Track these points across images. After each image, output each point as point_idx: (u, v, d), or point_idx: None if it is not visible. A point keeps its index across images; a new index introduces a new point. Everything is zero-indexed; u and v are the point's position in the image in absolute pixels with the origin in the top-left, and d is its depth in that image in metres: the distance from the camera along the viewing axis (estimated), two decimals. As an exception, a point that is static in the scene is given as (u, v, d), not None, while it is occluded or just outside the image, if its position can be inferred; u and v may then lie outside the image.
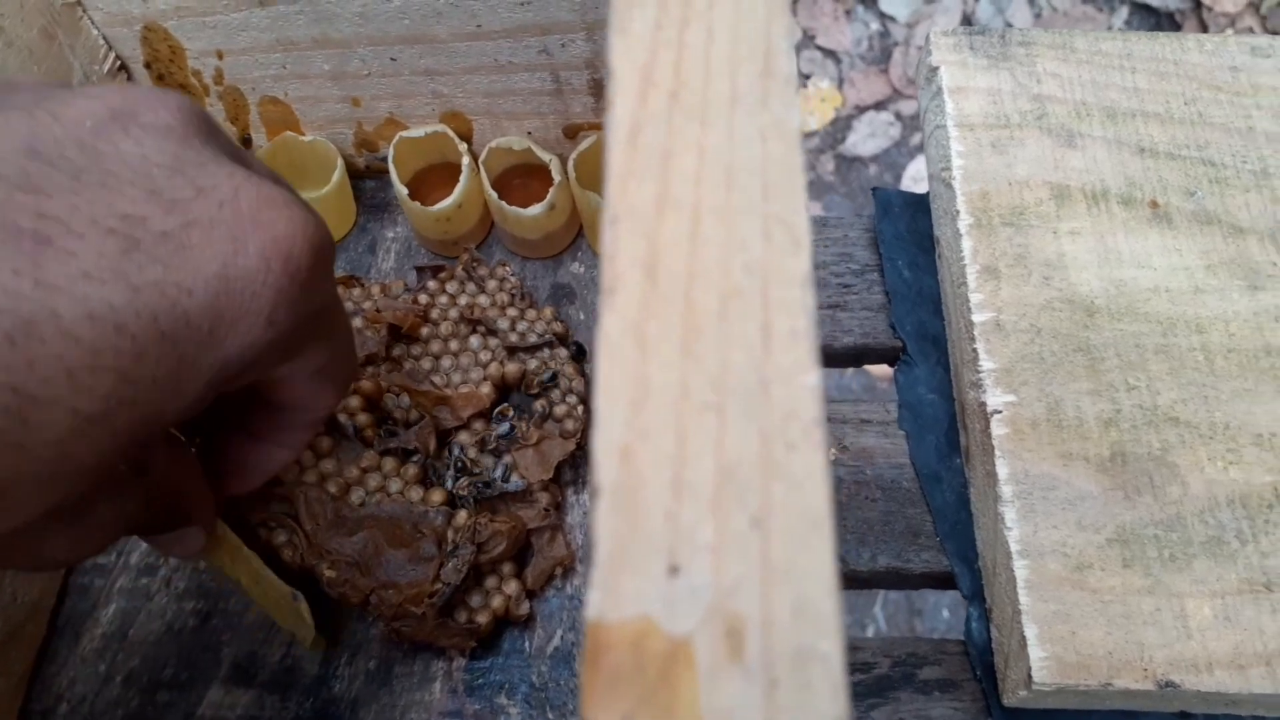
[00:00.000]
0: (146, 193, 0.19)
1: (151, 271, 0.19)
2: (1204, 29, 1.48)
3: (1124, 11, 1.49)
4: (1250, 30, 1.50)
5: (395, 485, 0.33)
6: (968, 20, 1.51)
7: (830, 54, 1.52)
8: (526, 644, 0.33)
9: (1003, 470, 0.34)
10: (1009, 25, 1.49)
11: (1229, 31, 1.48)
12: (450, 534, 0.31)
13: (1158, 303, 0.37)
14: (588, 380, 0.36)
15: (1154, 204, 0.39)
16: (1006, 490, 0.34)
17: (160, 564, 0.35)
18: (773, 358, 0.13)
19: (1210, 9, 1.49)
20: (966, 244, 0.38)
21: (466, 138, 0.39)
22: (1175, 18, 1.48)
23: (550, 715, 0.32)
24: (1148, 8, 1.49)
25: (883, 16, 1.54)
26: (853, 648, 0.35)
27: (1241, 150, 0.40)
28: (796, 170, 0.15)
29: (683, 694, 0.11)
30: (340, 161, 0.39)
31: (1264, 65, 0.42)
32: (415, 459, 0.33)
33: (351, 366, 0.26)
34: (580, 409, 0.35)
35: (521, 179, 0.40)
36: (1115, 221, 0.38)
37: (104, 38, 0.36)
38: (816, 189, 1.41)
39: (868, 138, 1.44)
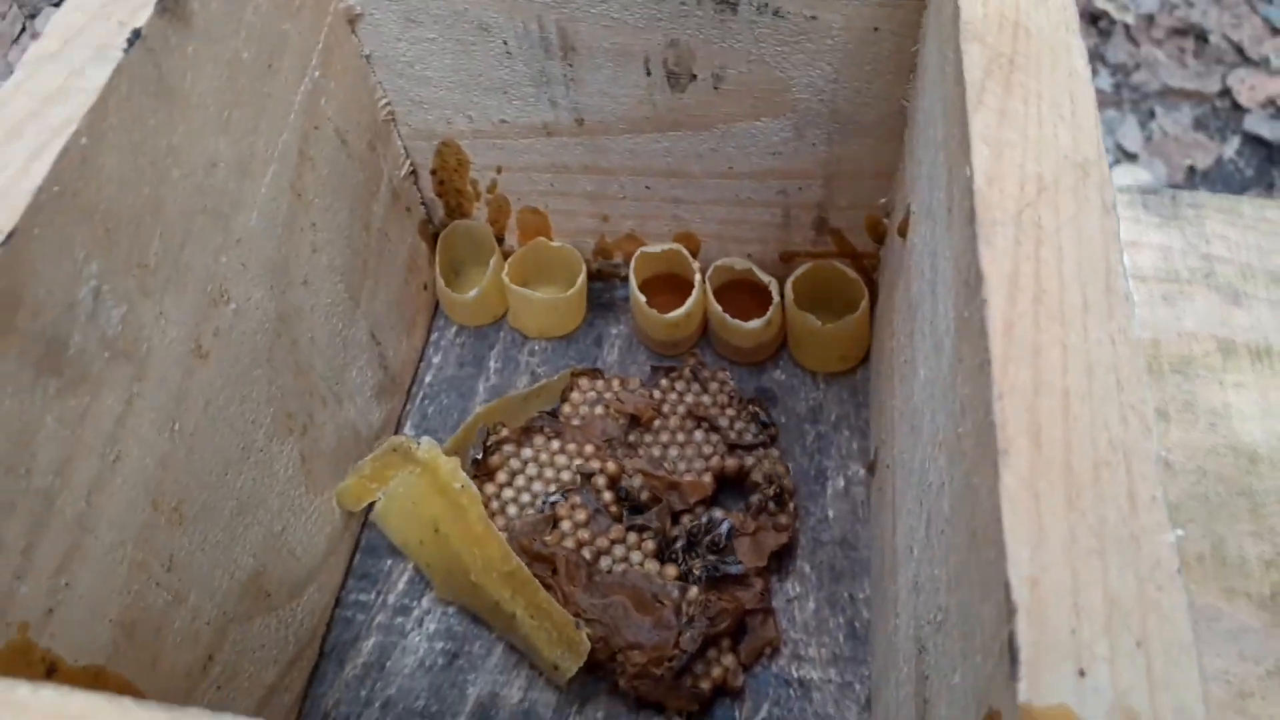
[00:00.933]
0: None
1: None
2: (1310, 165, 1.51)
3: (1235, 141, 1.53)
4: (1356, 168, 1.52)
5: (636, 557, 0.37)
6: (1075, 140, 1.56)
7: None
8: (737, 713, 0.37)
9: (1172, 598, 0.38)
10: (1120, 147, 1.53)
11: (1338, 172, 1.50)
12: (685, 606, 0.36)
13: (1318, 457, 0.40)
14: (794, 482, 0.41)
15: (1315, 365, 0.42)
16: (1176, 616, 0.37)
17: (413, 605, 0.40)
18: (1139, 517, 0.18)
19: (1319, 146, 1.52)
20: (1141, 387, 0.42)
21: (694, 254, 0.45)
22: (1284, 152, 1.51)
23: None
24: (1260, 140, 1.52)
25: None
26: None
27: (1397, 322, 0.43)
28: (1141, 371, 0.20)
29: (1098, 765, 0.16)
30: (584, 267, 0.45)
31: None
32: (652, 535, 0.38)
33: None
34: (791, 506, 0.40)
35: (737, 294, 0.45)
36: (1278, 378, 0.42)
37: (405, 149, 0.43)
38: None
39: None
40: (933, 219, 0.28)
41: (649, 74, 0.37)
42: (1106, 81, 1.62)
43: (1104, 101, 1.60)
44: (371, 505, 0.41)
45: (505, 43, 0.37)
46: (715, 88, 0.37)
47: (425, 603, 0.41)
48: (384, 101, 0.40)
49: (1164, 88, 1.60)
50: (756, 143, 0.39)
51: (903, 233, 0.35)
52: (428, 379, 0.46)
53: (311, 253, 0.37)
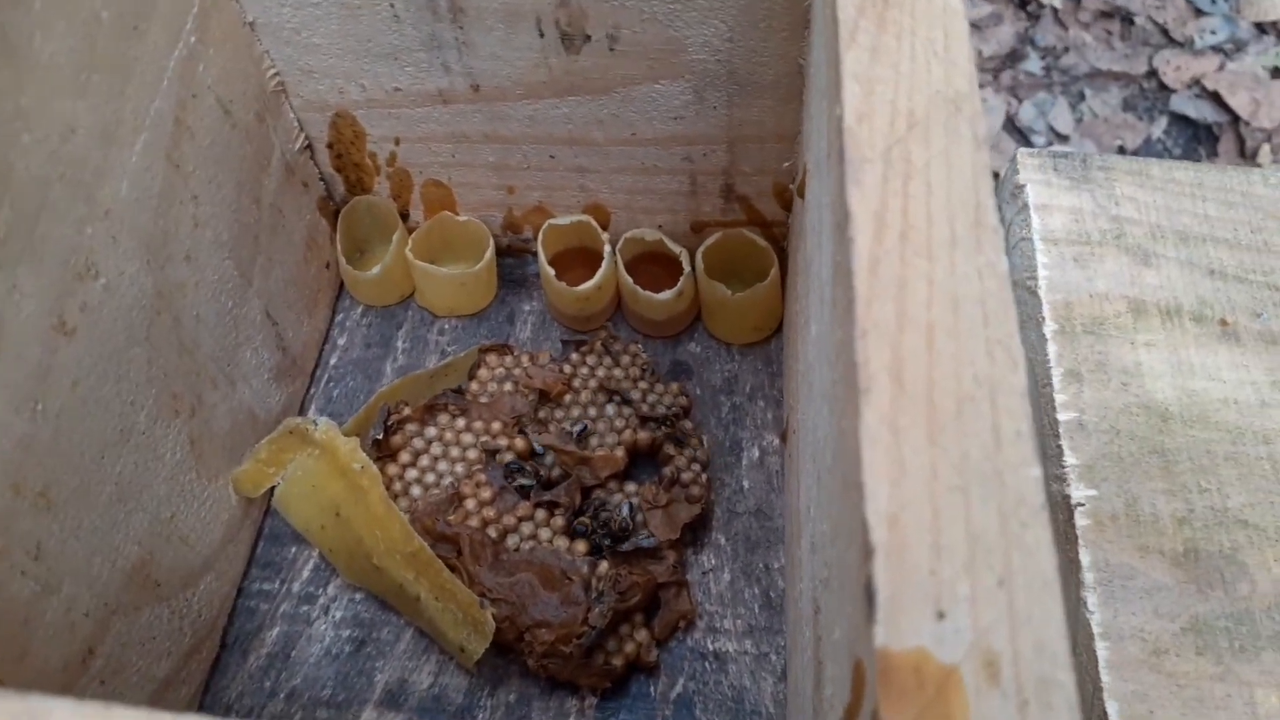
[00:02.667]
0: None
1: None
2: (1241, 143, 1.54)
3: (1163, 122, 1.55)
4: (1283, 146, 1.55)
5: (545, 534, 0.36)
6: (1010, 121, 1.57)
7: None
8: (652, 689, 0.36)
9: (1085, 559, 0.37)
10: (1053, 129, 1.55)
11: (1265, 146, 1.54)
12: (595, 581, 0.35)
13: (1227, 413, 0.40)
14: (708, 452, 0.40)
15: (1223, 322, 0.43)
16: (1089, 577, 0.37)
17: (319, 593, 0.39)
18: (1003, 453, 0.17)
19: (1248, 124, 1.55)
20: (1052, 349, 0.42)
21: (604, 226, 0.44)
22: (1213, 130, 1.54)
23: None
24: (1186, 119, 1.55)
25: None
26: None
27: (1303, 278, 0.44)
28: (1009, 304, 0.19)
29: (956, 708, 0.15)
30: (491, 241, 0.44)
31: (1323, 202, 0.46)
32: (562, 511, 0.37)
33: None
34: (704, 476, 0.39)
35: (650, 265, 0.44)
36: (1188, 336, 0.42)
37: (298, 121, 0.41)
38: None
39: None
40: (820, 171, 0.28)
41: (542, 35, 0.36)
42: (1036, 65, 1.64)
43: (1034, 84, 1.62)
44: (272, 490, 0.39)
45: (393, 6, 0.36)
46: (610, 49, 0.36)
47: (331, 590, 0.40)
48: (272, 71, 0.39)
49: (1092, 70, 1.62)
50: (657, 107, 0.38)
51: (801, 192, 0.34)
52: (332, 361, 0.45)
53: (194, 227, 0.35)
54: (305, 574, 0.40)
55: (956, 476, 0.17)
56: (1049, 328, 0.42)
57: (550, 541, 0.36)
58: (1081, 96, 1.62)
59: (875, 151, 0.21)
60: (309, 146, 0.42)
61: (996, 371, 0.18)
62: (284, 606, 0.39)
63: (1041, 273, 0.44)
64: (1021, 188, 0.47)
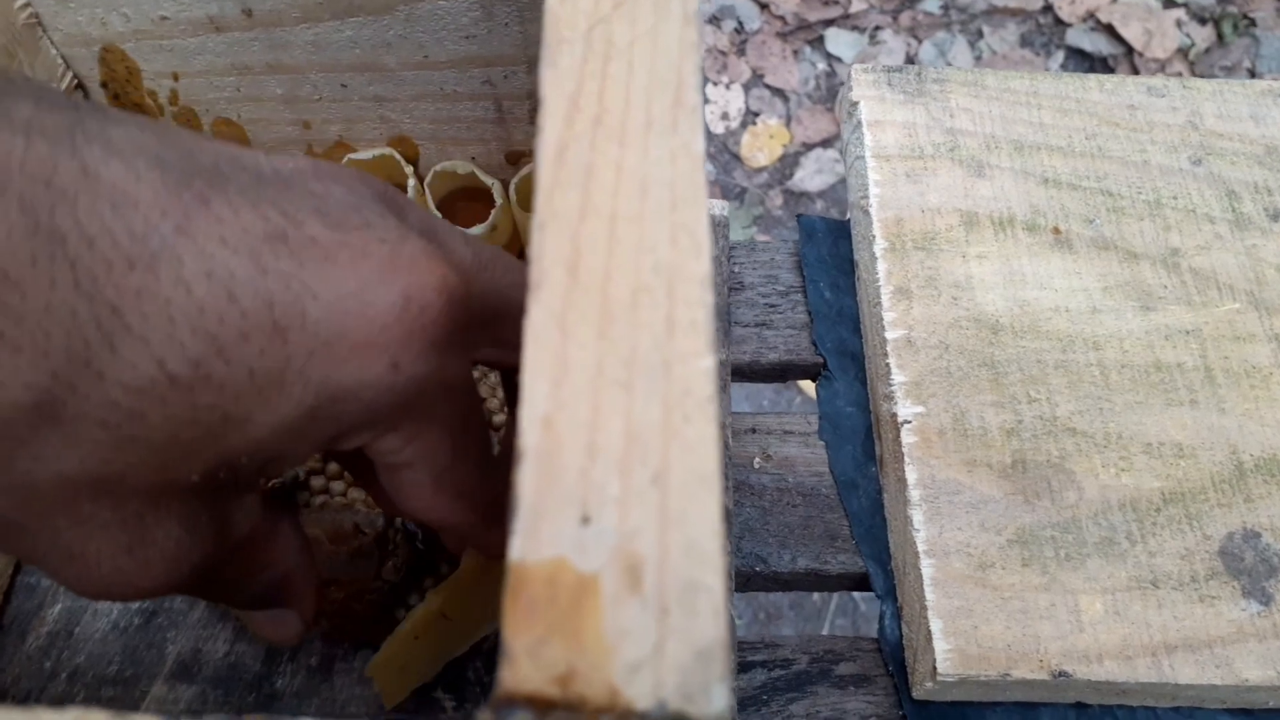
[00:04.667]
0: (314, 209, 0.19)
1: (285, 263, 0.18)
2: (1135, 74, 1.56)
3: (1060, 56, 1.56)
4: (1179, 75, 1.57)
5: (338, 487, 0.34)
6: (910, 61, 1.57)
7: (779, 93, 1.56)
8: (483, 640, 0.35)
9: (911, 476, 0.37)
10: (952, 68, 1.55)
11: (1159, 76, 1.56)
12: (391, 534, 0.33)
13: (1058, 321, 0.40)
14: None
15: (1056, 230, 0.42)
16: (915, 494, 0.36)
17: (109, 565, 0.36)
18: (675, 343, 0.16)
19: (1141, 55, 1.57)
20: (881, 266, 0.41)
21: (413, 161, 0.41)
22: (1109, 62, 1.55)
23: (480, 705, 0.33)
24: (1082, 53, 1.56)
25: (829, 57, 1.59)
26: (773, 645, 0.37)
27: (1137, 182, 0.43)
28: (700, 186, 0.17)
29: (589, 620, 0.13)
30: (292, 181, 0.41)
31: (1159, 104, 0.45)
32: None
33: (476, 485, 0.24)
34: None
35: (465, 202, 0.42)
36: (1020, 246, 0.41)
37: (62, 58, 0.38)
38: (765, 223, 1.45)
39: (815, 174, 1.49)
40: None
41: (304, -52, 0.33)
42: (935, 4, 1.64)
43: (933, 24, 1.62)
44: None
45: (137, -80, 0.33)
46: (380, -40, 0.33)
47: (129, 561, 0.37)
48: (22, 2, 0.35)
49: (990, 7, 1.62)
50: (445, 25, 0.36)
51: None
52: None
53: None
54: (103, 545, 0.37)
55: (623, 371, 0.15)
56: (879, 245, 0.41)
57: (344, 494, 0.34)
58: (980, 34, 1.62)
59: (576, 32, 0.19)
60: (80, 86, 0.39)
61: (678, 258, 0.16)
62: (76, 581, 0.37)
63: (873, 190, 0.42)
64: (856, 105, 0.45)
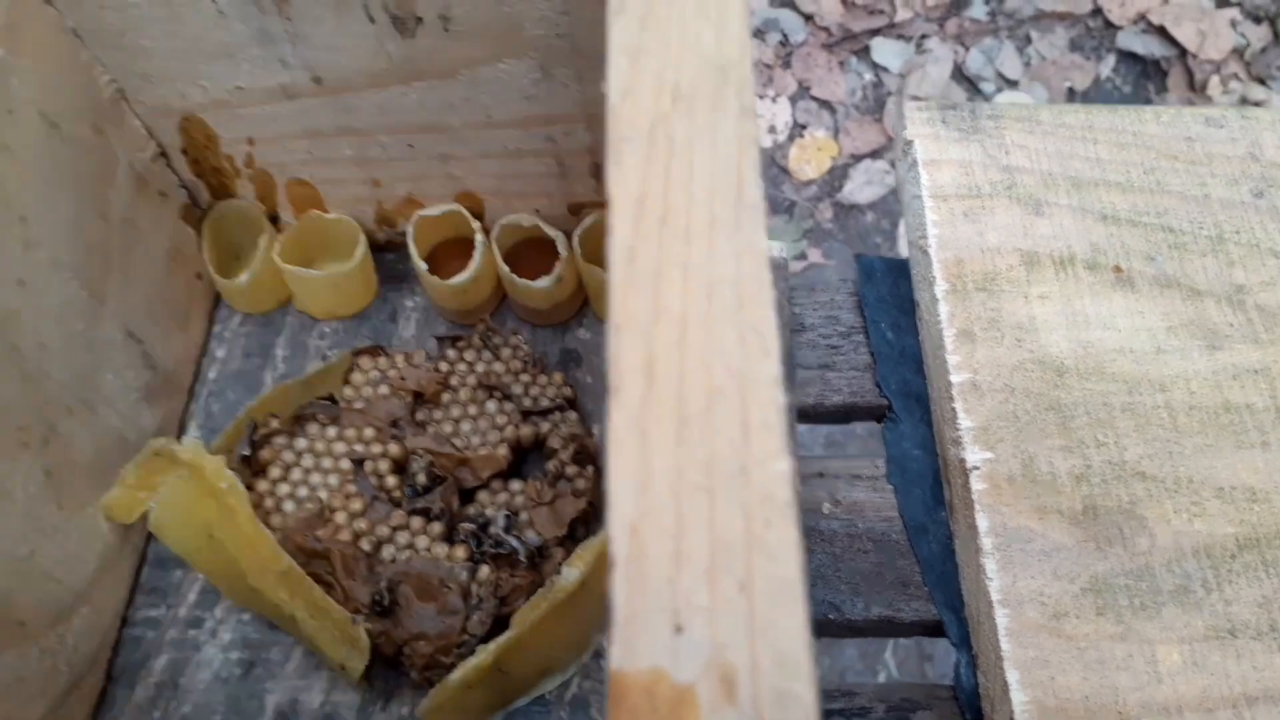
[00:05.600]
0: None
1: None
2: (1190, 76, 1.53)
3: (1111, 59, 1.53)
4: (1236, 77, 1.54)
5: (422, 542, 0.35)
6: (959, 70, 1.56)
7: (826, 104, 1.56)
8: (547, 692, 0.35)
9: (982, 523, 0.36)
10: (1001, 75, 1.53)
11: (1214, 78, 1.52)
12: (474, 588, 0.34)
13: (1123, 363, 0.39)
14: (596, 442, 0.39)
15: (1117, 269, 0.41)
16: (987, 542, 0.36)
17: (206, 616, 0.38)
18: (751, 447, 0.16)
19: (1195, 56, 1.54)
20: (943, 309, 0.41)
21: (479, 215, 0.42)
22: (1161, 65, 1.53)
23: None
24: (1134, 56, 1.53)
25: (876, 67, 1.59)
26: (849, 693, 0.38)
27: (1198, 217, 0.42)
28: (766, 283, 0.18)
29: (682, 731, 0.14)
30: (363, 238, 0.42)
31: (1217, 135, 0.45)
32: (440, 518, 0.36)
33: None
34: (590, 469, 0.38)
35: (530, 252, 0.43)
36: (1082, 286, 0.41)
37: (146, 128, 0.40)
38: (815, 236, 1.45)
39: (864, 185, 1.48)
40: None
41: (372, 20, 0.34)
42: (981, 10, 1.62)
43: (981, 30, 1.60)
44: (147, 515, 0.38)
45: (214, 1, 0.34)
46: (445, 30, 0.34)
47: (219, 612, 0.38)
48: (107, 79, 0.37)
49: (1038, 12, 1.60)
50: (506, 87, 0.37)
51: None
52: (211, 374, 0.43)
53: (24, 250, 0.34)
54: (191, 598, 0.39)
55: (703, 476, 0.16)
56: (940, 287, 0.41)
57: (428, 550, 0.35)
58: (1028, 40, 1.60)
59: (638, 130, 0.20)
60: (163, 154, 0.41)
61: (748, 360, 0.17)
62: (171, 633, 0.38)
63: (931, 231, 0.43)
64: (910, 144, 0.45)
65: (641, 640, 0.15)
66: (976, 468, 0.38)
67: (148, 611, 0.39)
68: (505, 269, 0.41)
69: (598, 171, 0.40)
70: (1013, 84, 1.53)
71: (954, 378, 0.39)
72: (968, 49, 1.59)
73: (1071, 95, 1.51)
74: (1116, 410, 0.38)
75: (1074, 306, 0.41)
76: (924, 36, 1.62)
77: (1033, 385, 0.39)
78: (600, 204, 0.42)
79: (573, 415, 0.39)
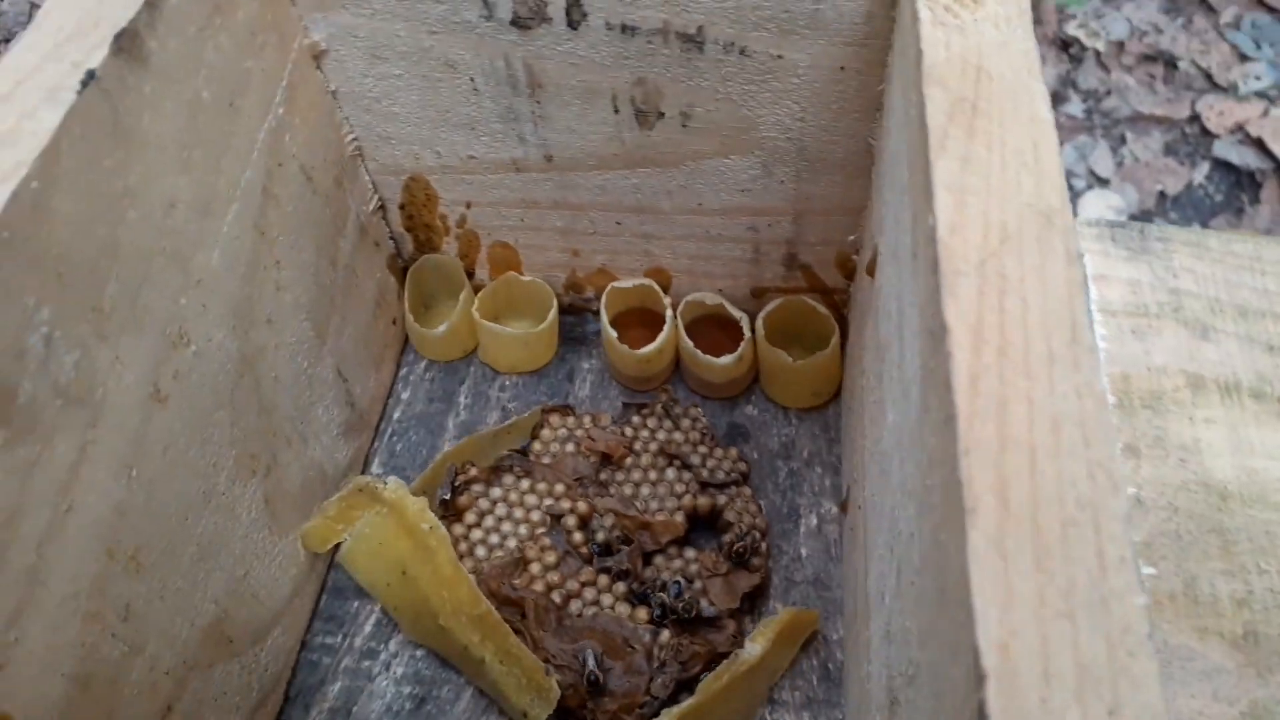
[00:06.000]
0: None
1: None
2: (1280, 189, 1.53)
3: (1205, 167, 1.55)
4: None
5: (607, 600, 0.37)
6: (1047, 165, 1.57)
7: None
8: (710, 757, 0.37)
9: (1145, 636, 0.37)
10: (1093, 173, 1.55)
11: (1306, 198, 1.53)
12: (657, 651, 0.35)
13: (1288, 492, 0.40)
14: (766, 520, 0.41)
15: (1283, 400, 0.43)
16: (1149, 655, 0.37)
17: (381, 649, 0.39)
18: (1108, 579, 0.18)
19: (1288, 171, 1.55)
20: (1112, 422, 0.42)
21: (665, 289, 0.45)
22: (1255, 176, 1.53)
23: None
24: (1229, 165, 1.54)
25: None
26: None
27: (1364, 356, 0.44)
28: (1109, 425, 0.19)
29: (1068, 840, 0.15)
30: (555, 302, 0.44)
31: (1383, 278, 0.46)
32: (624, 577, 0.37)
33: None
34: (763, 544, 0.39)
35: (711, 329, 0.45)
36: (1247, 413, 0.42)
37: (373, 184, 0.42)
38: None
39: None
40: (898, 262, 0.28)
41: (617, 111, 0.37)
42: (1078, 108, 1.64)
43: (1076, 127, 1.62)
44: (338, 546, 0.40)
45: (472, 79, 0.37)
46: (683, 125, 0.37)
47: (393, 645, 0.40)
48: (351, 137, 0.40)
49: (1134, 114, 1.62)
50: (725, 180, 0.39)
51: (870, 272, 0.35)
52: (396, 415, 0.46)
53: (276, 291, 0.36)
54: (367, 629, 0.40)
55: (1063, 602, 0.17)
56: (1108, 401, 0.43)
57: (612, 608, 0.37)
58: (1123, 140, 1.62)
59: (969, 264, 0.22)
60: (382, 207, 0.43)
61: (1098, 495, 0.19)
62: (346, 661, 0.40)
63: (1100, 344, 0.44)
64: (1080, 257, 0.47)
65: (1015, 749, 0.16)
66: (1141, 582, 0.39)
67: (325, 638, 0.41)
68: (689, 343, 0.43)
69: (791, 261, 0.42)
70: (1104, 182, 1.54)
71: (1120, 491, 0.40)
72: (1062, 144, 1.61)
73: (1162, 199, 1.53)
74: (1279, 539, 0.39)
75: (1239, 434, 0.42)
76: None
77: (1196, 507, 0.40)
78: (786, 290, 0.44)
79: (747, 490, 0.41)
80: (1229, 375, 0.43)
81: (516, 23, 0.35)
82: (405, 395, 0.46)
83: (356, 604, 0.41)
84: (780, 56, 0.34)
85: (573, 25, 0.34)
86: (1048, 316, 0.21)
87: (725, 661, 0.35)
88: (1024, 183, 0.23)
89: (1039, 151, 0.24)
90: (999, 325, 0.21)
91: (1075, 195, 1.55)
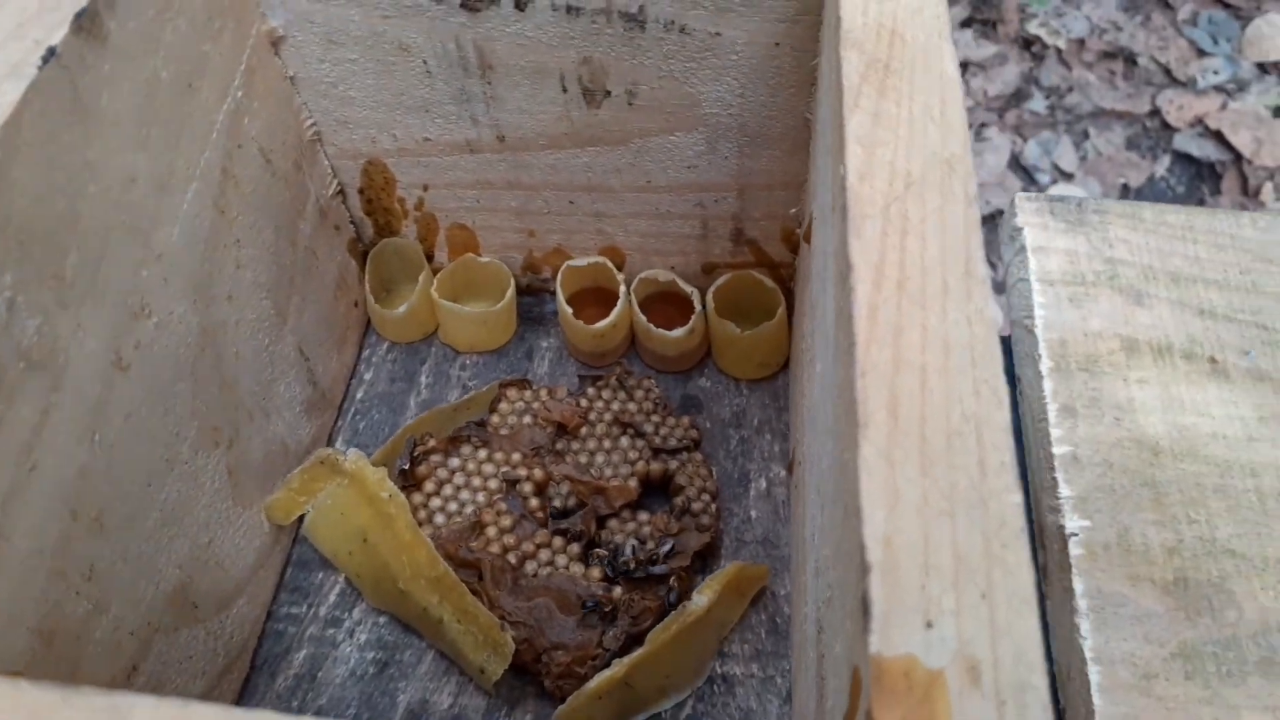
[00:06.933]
0: None
1: None
2: (1244, 180, 1.56)
3: (1166, 160, 1.58)
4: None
5: (561, 561, 0.38)
6: (1015, 159, 1.60)
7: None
8: (662, 711, 0.38)
9: (1079, 586, 0.39)
10: (1057, 167, 1.58)
11: (1268, 185, 1.56)
12: (610, 607, 0.37)
13: (1216, 447, 0.42)
14: (717, 483, 0.42)
15: (1213, 360, 0.44)
16: (1082, 604, 0.39)
17: (344, 617, 0.41)
18: (988, 482, 0.19)
19: (1250, 162, 1.58)
20: (1048, 385, 0.44)
21: (619, 267, 0.46)
22: (1216, 168, 1.57)
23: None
24: (1189, 158, 1.57)
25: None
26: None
27: (1289, 319, 0.45)
28: (995, 347, 0.21)
29: (939, 707, 0.17)
30: (512, 282, 0.46)
31: (1308, 245, 0.48)
32: (579, 539, 0.39)
33: None
34: (713, 506, 0.41)
35: (663, 305, 0.46)
36: (1178, 373, 0.44)
37: (332, 168, 0.44)
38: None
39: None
40: (825, 220, 0.30)
41: (565, 90, 0.38)
42: (1041, 104, 1.67)
43: (1039, 123, 1.65)
44: (301, 519, 0.41)
45: (425, 62, 0.38)
46: (629, 104, 0.38)
47: (356, 614, 0.41)
48: (309, 122, 0.41)
49: (1096, 109, 1.65)
50: (672, 157, 0.40)
51: (808, 238, 0.36)
52: (359, 394, 0.47)
53: (236, 269, 0.37)
54: (331, 599, 0.42)
55: (945, 502, 0.19)
56: (1045, 365, 0.44)
57: (567, 568, 0.38)
58: (1085, 135, 1.65)
59: (875, 208, 0.23)
60: (341, 192, 0.45)
61: (983, 408, 0.20)
62: (311, 629, 0.41)
63: (1038, 312, 0.46)
64: (1019, 230, 0.49)
65: (896, 631, 0.18)
66: (1075, 534, 0.40)
67: (290, 608, 0.42)
68: (642, 318, 0.44)
69: (738, 236, 0.44)
70: (1068, 177, 1.57)
71: (1056, 450, 0.42)
72: (1025, 140, 1.63)
73: (1125, 191, 1.55)
74: (1208, 491, 0.41)
75: (1170, 392, 0.44)
76: (983, 125, 1.67)
77: (1129, 462, 0.42)
78: (734, 265, 0.45)
79: (698, 456, 0.42)
80: (1161, 338, 0.45)
81: (466, 5, 0.36)
82: (368, 375, 0.47)
83: (321, 575, 0.42)
84: (718, 34, 0.36)
85: (520, 6, 0.36)
86: (945, 253, 0.23)
87: (673, 613, 0.37)
88: (930, 134, 0.25)
89: (945, 106, 0.25)
90: (899, 262, 0.23)
91: (1040, 189, 1.58)
